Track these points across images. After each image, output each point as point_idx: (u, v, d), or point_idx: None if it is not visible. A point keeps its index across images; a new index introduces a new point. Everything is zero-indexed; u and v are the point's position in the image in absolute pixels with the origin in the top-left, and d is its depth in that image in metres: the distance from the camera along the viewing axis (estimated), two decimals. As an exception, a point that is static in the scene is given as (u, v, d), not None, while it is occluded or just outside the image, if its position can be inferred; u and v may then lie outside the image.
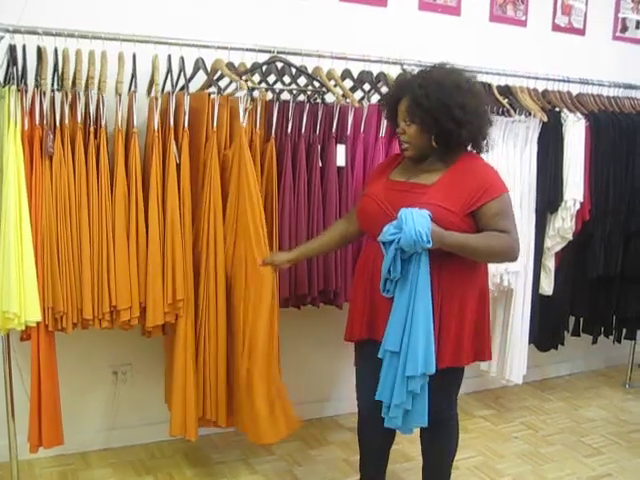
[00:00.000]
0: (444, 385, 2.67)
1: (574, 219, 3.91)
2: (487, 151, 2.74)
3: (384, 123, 3.27)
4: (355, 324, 2.77)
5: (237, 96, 3.04)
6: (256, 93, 3.08)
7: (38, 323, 2.78)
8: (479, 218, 2.53)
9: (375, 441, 2.96)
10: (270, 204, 3.13)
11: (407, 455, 3.59)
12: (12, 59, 2.80)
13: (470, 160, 2.63)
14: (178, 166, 2.95)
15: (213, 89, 3.11)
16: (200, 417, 3.14)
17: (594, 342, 4.47)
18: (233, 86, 3.17)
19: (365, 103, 3.30)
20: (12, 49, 2.80)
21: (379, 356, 2.57)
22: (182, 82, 3.06)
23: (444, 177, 2.58)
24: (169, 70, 3.05)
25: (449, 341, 2.59)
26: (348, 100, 3.25)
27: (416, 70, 2.76)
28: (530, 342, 4.07)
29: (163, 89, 3.08)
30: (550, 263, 4.00)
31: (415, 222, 2.39)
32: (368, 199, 2.71)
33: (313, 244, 3.01)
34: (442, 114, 2.48)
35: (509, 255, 2.59)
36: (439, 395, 2.64)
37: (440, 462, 2.96)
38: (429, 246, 2.41)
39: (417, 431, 2.81)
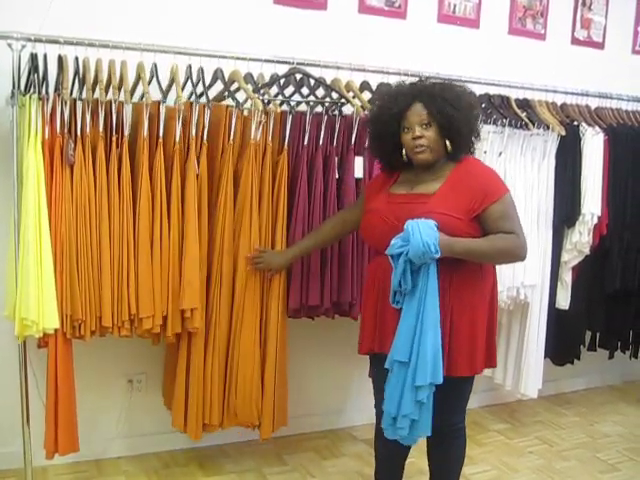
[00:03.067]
0: (456, 394, 2.70)
1: (591, 233, 3.90)
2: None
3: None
4: (366, 337, 2.78)
5: (249, 108, 3.05)
6: (270, 105, 3.09)
7: (56, 330, 2.79)
8: (484, 221, 2.56)
9: (391, 451, 2.94)
10: (282, 214, 3.15)
11: (423, 469, 3.57)
12: (33, 68, 2.83)
13: (468, 163, 2.66)
14: (197, 177, 2.97)
15: (231, 101, 3.12)
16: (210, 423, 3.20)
17: (610, 357, 4.43)
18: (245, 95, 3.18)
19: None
20: (33, 58, 2.83)
21: (386, 366, 2.57)
22: (198, 92, 3.08)
23: (445, 184, 2.60)
24: (187, 80, 3.07)
25: (463, 350, 2.60)
26: (367, 112, 3.25)
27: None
28: (546, 356, 4.05)
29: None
30: (567, 277, 3.99)
31: (422, 233, 2.41)
32: (372, 214, 2.71)
33: (310, 240, 3.08)
34: (465, 119, 2.59)
35: (517, 256, 2.64)
36: (451, 404, 2.68)
37: (449, 474, 2.94)
38: (437, 256, 2.43)
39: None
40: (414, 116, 2.59)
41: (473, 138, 2.68)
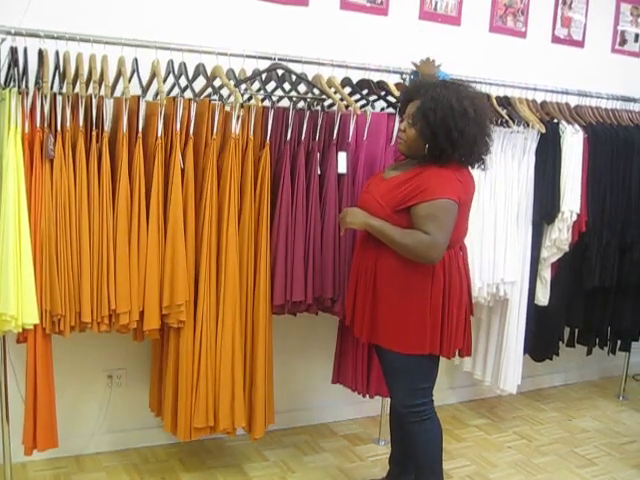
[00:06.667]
0: (400, 370, 2.87)
1: (570, 230, 3.92)
2: (483, 169, 2.94)
3: (395, 132, 3.32)
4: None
5: (230, 103, 3.04)
6: (252, 100, 3.10)
7: (35, 326, 2.78)
8: (412, 217, 2.69)
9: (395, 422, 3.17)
10: (265, 210, 3.14)
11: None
12: (13, 61, 2.80)
13: (433, 166, 2.73)
14: (182, 172, 2.97)
15: (214, 96, 3.12)
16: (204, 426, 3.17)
17: (589, 353, 4.47)
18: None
19: (369, 111, 3.29)
20: (13, 51, 2.81)
21: None
22: (182, 86, 3.07)
23: (400, 175, 2.79)
24: (169, 74, 3.07)
25: (387, 322, 2.80)
26: (350, 108, 3.25)
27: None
28: (525, 352, 4.07)
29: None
30: (546, 274, 4.01)
31: None
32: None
33: None
34: (441, 133, 2.67)
35: (424, 255, 2.67)
36: (398, 381, 2.90)
37: (416, 461, 3.04)
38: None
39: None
40: (407, 112, 2.79)
41: (457, 153, 2.72)
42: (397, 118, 3.31)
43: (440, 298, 2.77)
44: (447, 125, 2.65)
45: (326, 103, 3.30)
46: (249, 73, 3.25)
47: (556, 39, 4.56)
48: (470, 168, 2.84)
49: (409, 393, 2.89)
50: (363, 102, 3.49)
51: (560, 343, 4.34)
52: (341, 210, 3.20)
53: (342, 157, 3.25)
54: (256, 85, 3.24)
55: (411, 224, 2.69)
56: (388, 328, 2.80)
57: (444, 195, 2.66)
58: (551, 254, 3.99)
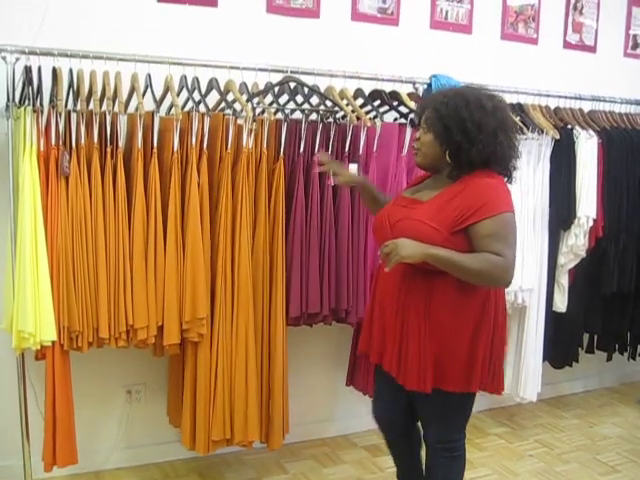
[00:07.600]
0: (435, 407, 2.64)
1: (587, 236, 3.90)
2: (509, 182, 2.59)
3: (406, 142, 3.33)
4: (368, 345, 2.77)
5: (243, 117, 3.04)
6: (264, 114, 3.10)
7: (53, 342, 2.79)
8: (472, 237, 2.41)
9: (401, 446, 2.97)
10: (280, 222, 3.15)
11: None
12: (28, 80, 2.83)
13: (478, 177, 2.47)
14: (198, 185, 2.98)
15: (228, 110, 3.13)
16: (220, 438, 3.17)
17: (609, 359, 4.44)
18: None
19: (378, 122, 3.29)
20: (27, 70, 2.84)
21: None
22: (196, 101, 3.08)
23: (441, 194, 2.49)
24: (182, 89, 3.09)
25: (429, 365, 2.50)
26: (362, 119, 3.25)
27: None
28: (544, 359, 4.05)
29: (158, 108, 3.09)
30: (564, 280, 3.99)
31: None
32: (380, 212, 2.70)
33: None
34: (455, 125, 2.43)
35: (499, 280, 2.43)
36: (429, 415, 2.71)
37: None
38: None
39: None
40: (422, 119, 2.57)
41: (475, 150, 2.44)
42: (409, 129, 3.31)
43: (491, 330, 2.55)
44: (460, 116, 2.42)
45: (338, 115, 3.32)
46: (262, 86, 3.26)
47: (568, 45, 4.55)
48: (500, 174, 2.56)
49: (448, 429, 2.71)
50: (375, 113, 3.49)
51: (579, 349, 4.31)
52: (354, 222, 3.19)
53: (353, 169, 3.24)
54: (269, 98, 3.25)
55: (468, 246, 2.42)
56: (449, 368, 2.51)
57: (503, 209, 2.42)
58: (568, 260, 3.97)
